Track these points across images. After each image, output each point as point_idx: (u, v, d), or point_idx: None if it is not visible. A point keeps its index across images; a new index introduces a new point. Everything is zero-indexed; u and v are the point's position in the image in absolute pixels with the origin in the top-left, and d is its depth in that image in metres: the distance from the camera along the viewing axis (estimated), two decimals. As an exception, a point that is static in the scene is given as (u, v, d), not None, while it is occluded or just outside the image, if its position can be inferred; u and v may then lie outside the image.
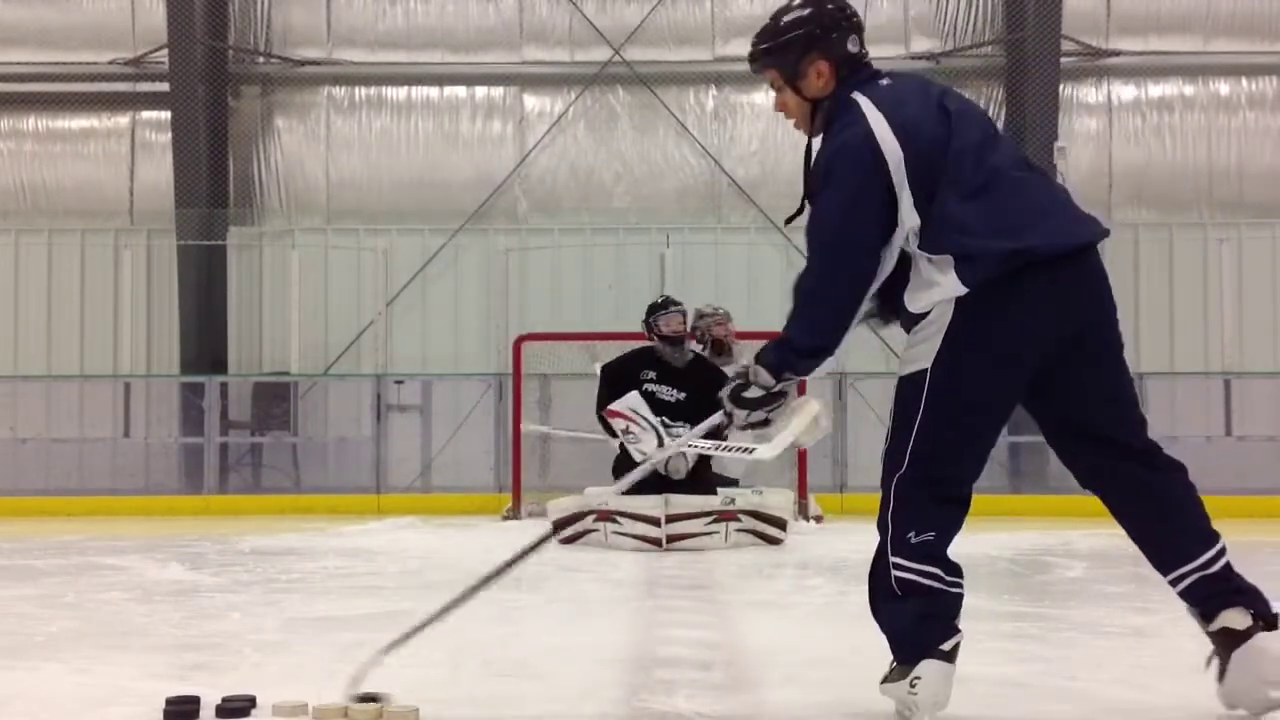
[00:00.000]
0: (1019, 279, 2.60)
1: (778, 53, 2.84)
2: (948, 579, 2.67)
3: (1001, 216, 2.62)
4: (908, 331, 2.75)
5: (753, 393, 2.77)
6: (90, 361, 11.62)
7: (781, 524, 6.80)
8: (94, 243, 11.83)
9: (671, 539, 6.55)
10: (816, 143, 2.85)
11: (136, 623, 4.30)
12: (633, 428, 7.02)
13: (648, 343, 7.62)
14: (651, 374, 7.41)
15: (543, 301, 11.50)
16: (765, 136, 11.76)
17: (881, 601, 2.73)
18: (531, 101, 12.05)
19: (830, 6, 2.84)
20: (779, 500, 7.24)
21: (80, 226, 11.85)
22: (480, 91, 12.09)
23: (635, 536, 6.54)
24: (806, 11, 2.82)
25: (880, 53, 11.57)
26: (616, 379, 7.45)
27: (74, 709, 2.88)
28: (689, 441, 3.20)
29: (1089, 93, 11.97)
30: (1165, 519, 2.74)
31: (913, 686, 2.62)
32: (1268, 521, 8.61)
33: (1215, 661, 2.72)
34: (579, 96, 11.88)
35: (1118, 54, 11.84)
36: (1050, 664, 2.81)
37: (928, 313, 2.67)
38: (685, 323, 7.57)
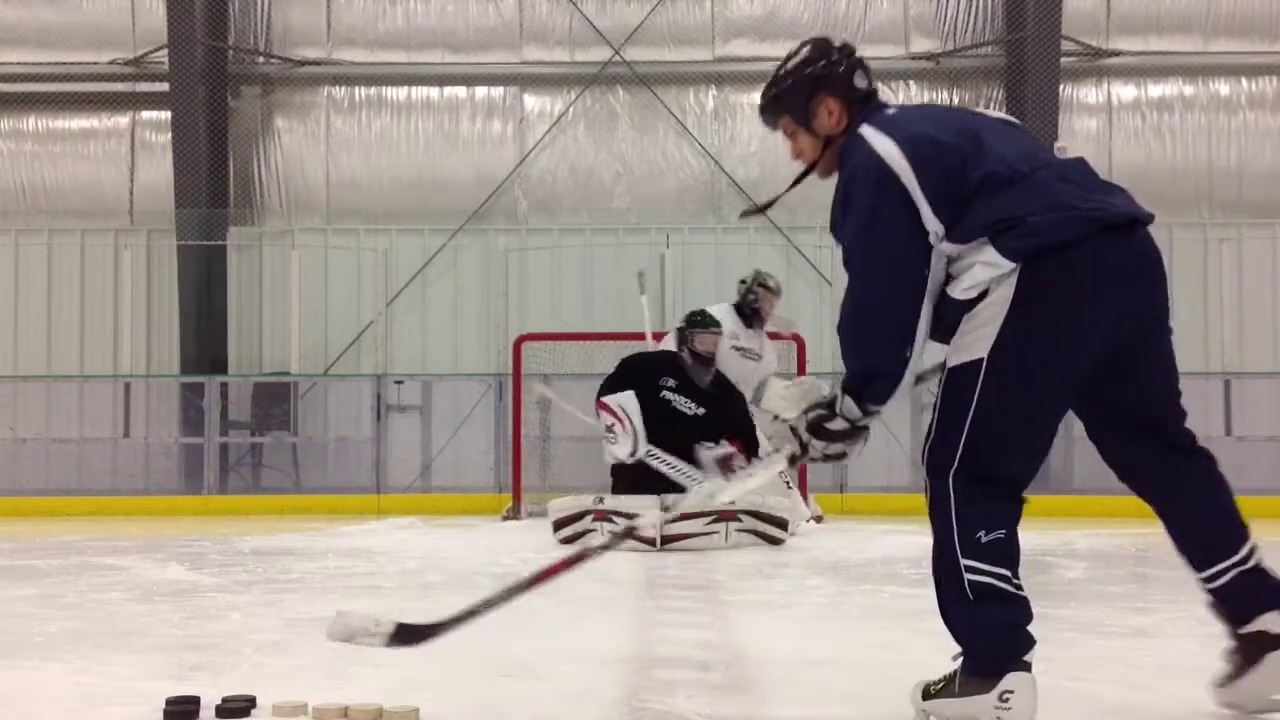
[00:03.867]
0: (1076, 257, 2.50)
1: (787, 97, 2.85)
2: (1016, 581, 2.55)
3: (1041, 198, 2.54)
4: (955, 326, 2.62)
5: (838, 425, 2.66)
6: (90, 361, 11.62)
7: (782, 524, 6.78)
8: (94, 243, 11.84)
9: (669, 539, 6.54)
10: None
11: (136, 623, 4.29)
12: (617, 427, 6.96)
13: (675, 349, 7.55)
14: (672, 382, 7.28)
15: (543, 301, 11.51)
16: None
17: (954, 607, 2.58)
18: (531, 101, 12.05)
19: (830, 47, 2.87)
20: (781, 501, 7.20)
21: (80, 226, 11.85)
22: (480, 91, 12.09)
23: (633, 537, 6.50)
24: (806, 54, 2.86)
25: (880, 52, 11.65)
26: (631, 374, 7.35)
27: (74, 709, 2.87)
28: (749, 485, 2.95)
29: (1089, 93, 11.97)
30: (1206, 511, 2.70)
31: (1003, 700, 2.49)
32: (1268, 521, 8.58)
33: (1234, 661, 2.69)
34: (579, 96, 11.89)
35: (1118, 54, 11.85)
36: (1051, 664, 2.81)
37: (979, 299, 2.56)
38: (717, 346, 7.48)
